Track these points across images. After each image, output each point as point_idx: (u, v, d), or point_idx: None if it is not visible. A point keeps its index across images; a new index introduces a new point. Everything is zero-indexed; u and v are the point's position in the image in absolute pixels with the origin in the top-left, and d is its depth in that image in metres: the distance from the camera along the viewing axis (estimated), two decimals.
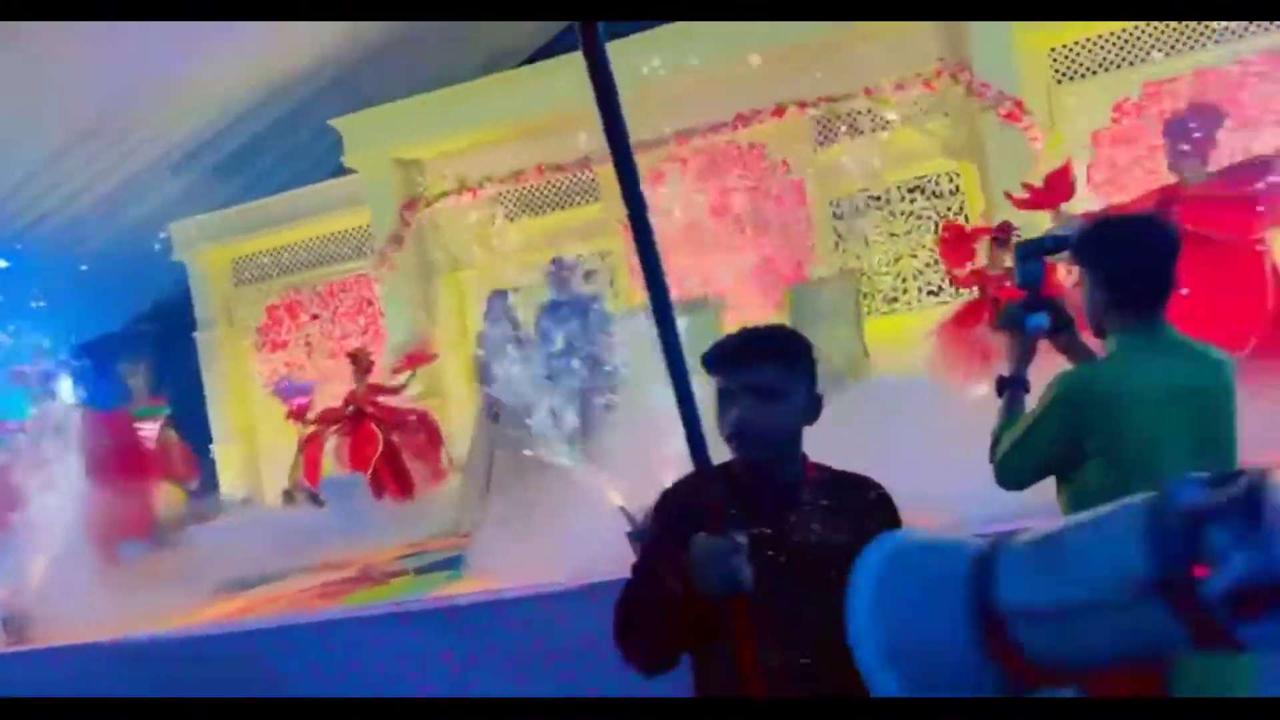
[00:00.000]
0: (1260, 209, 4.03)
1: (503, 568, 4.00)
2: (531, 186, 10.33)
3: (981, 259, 6.86)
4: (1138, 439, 1.96)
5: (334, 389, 9.12)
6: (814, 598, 1.56)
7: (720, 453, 1.74)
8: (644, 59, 8.41)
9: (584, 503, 4.10)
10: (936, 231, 9.76)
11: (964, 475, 2.96)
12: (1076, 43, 9.04)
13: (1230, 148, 6.98)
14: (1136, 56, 8.89)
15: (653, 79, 8.44)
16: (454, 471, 7.67)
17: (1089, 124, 8.88)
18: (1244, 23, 8.09)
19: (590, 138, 9.36)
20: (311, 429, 8.13)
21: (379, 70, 10.94)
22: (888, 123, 9.18)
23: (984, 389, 3.92)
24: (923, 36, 8.68)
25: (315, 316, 11.96)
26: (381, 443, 7.74)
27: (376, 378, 8.12)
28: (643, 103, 9.31)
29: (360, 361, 8.08)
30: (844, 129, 9.61)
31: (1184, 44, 8.67)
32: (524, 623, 3.65)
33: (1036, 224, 6.62)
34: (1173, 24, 8.57)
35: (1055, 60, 9.16)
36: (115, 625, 4.34)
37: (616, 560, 2.91)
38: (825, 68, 8.77)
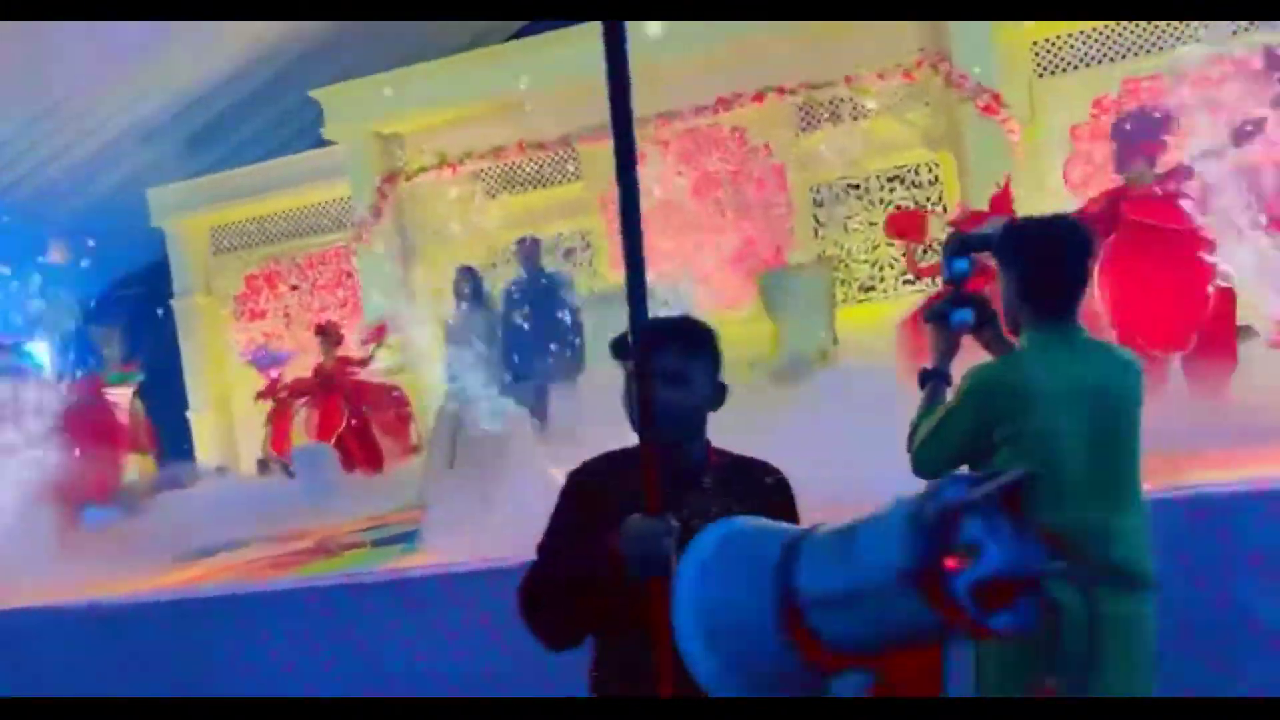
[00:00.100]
0: (1201, 210, 4.09)
1: (455, 542, 4.04)
2: (512, 163, 10.31)
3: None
4: (1040, 432, 2.04)
5: (311, 360, 9.11)
6: None
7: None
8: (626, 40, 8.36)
9: (538, 479, 4.13)
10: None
11: None
12: (1059, 36, 9.07)
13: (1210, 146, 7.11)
14: (1118, 52, 8.92)
15: (634, 60, 8.38)
16: (424, 446, 7.70)
17: (1069, 118, 8.91)
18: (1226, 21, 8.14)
19: (573, 115, 9.39)
20: (282, 396, 8.13)
21: (363, 41, 10.86)
22: (868, 111, 9.20)
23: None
24: (904, 26, 8.68)
25: (294, 287, 11.94)
26: (347, 416, 7.76)
27: (346, 351, 8.13)
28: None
29: (329, 335, 8.08)
30: (824, 116, 9.64)
31: (1166, 40, 8.69)
32: (474, 597, 3.68)
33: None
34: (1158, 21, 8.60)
35: (1038, 53, 9.19)
36: (68, 589, 4.36)
37: None
38: (807, 54, 8.77)
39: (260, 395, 8.47)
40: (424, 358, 8.36)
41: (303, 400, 8.07)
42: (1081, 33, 8.98)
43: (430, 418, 7.08)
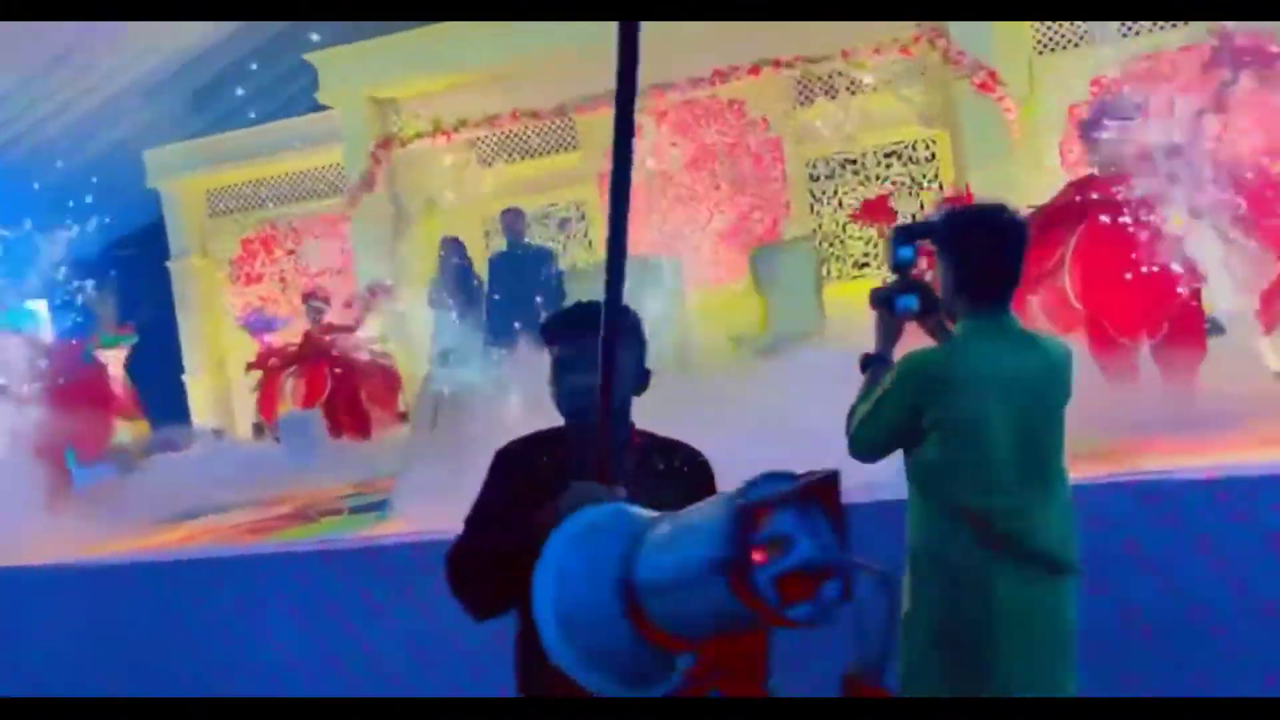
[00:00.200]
0: (1170, 199, 4.09)
1: (425, 510, 4.08)
2: (508, 132, 10.27)
3: None
4: (968, 417, 2.08)
5: (304, 326, 9.14)
6: None
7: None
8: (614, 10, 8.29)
9: None
10: (912, 197, 9.83)
11: None
12: None
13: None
14: (1119, 30, 8.81)
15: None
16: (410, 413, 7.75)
17: (1069, 96, 8.84)
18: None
19: (570, 85, 9.34)
20: (272, 364, 8.19)
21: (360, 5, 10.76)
22: (864, 86, 9.15)
23: None
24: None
25: (291, 251, 11.95)
26: (331, 383, 7.81)
27: (334, 317, 8.17)
28: (614, 53, 9.15)
29: (316, 303, 8.12)
30: (819, 91, 9.59)
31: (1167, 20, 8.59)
32: (440, 564, 3.73)
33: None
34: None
35: (1037, 30, 9.09)
36: (47, 550, 4.43)
37: None
38: (804, 27, 8.69)
39: (251, 366, 8.53)
40: (414, 325, 8.40)
41: (290, 368, 8.12)
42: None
43: (418, 385, 7.13)
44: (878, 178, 9.89)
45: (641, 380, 1.87)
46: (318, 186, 11.74)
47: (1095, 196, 4.44)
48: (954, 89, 8.40)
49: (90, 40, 10.93)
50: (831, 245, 9.90)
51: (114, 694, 3.43)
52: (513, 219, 6.62)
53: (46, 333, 13.56)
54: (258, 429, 9.69)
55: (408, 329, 8.55)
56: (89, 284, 10.12)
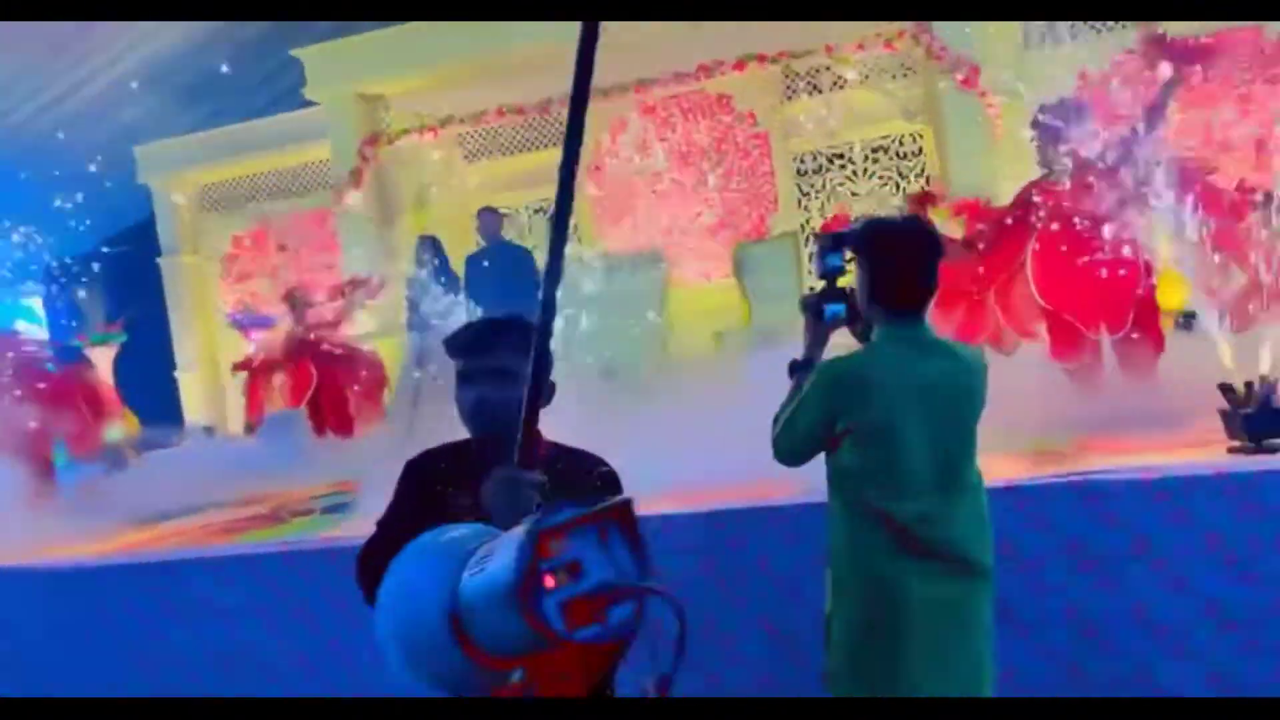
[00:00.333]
0: (1118, 197, 4.11)
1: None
2: (494, 128, 10.28)
3: None
4: (880, 423, 2.12)
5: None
6: None
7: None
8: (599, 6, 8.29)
9: None
10: (899, 192, 9.82)
11: None
12: None
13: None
14: (1107, 25, 8.78)
15: (613, 24, 8.31)
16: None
17: (1055, 91, 8.81)
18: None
19: (556, 80, 9.34)
20: (256, 365, 8.23)
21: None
22: (848, 81, 9.15)
23: None
24: None
25: (282, 248, 11.98)
26: (317, 380, 7.84)
27: (318, 315, 8.21)
28: (602, 48, 9.18)
29: (297, 300, 8.15)
30: (803, 86, 9.60)
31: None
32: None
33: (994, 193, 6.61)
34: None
35: (1025, 26, 9.06)
36: (18, 550, 4.47)
37: None
38: (788, 22, 8.67)
39: (236, 367, 8.58)
40: (399, 322, 8.42)
41: (277, 367, 8.16)
42: None
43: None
44: (865, 172, 9.89)
45: (547, 392, 1.89)
46: (310, 182, 11.76)
47: (1048, 199, 4.46)
48: (937, 84, 8.39)
49: (84, 34, 10.97)
50: (800, 243, 9.90)
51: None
52: (489, 218, 6.65)
53: (42, 330, 13.68)
54: (248, 427, 9.75)
55: (394, 324, 8.56)
56: (79, 281, 10.17)
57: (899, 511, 2.10)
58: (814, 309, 2.39)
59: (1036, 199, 4.59)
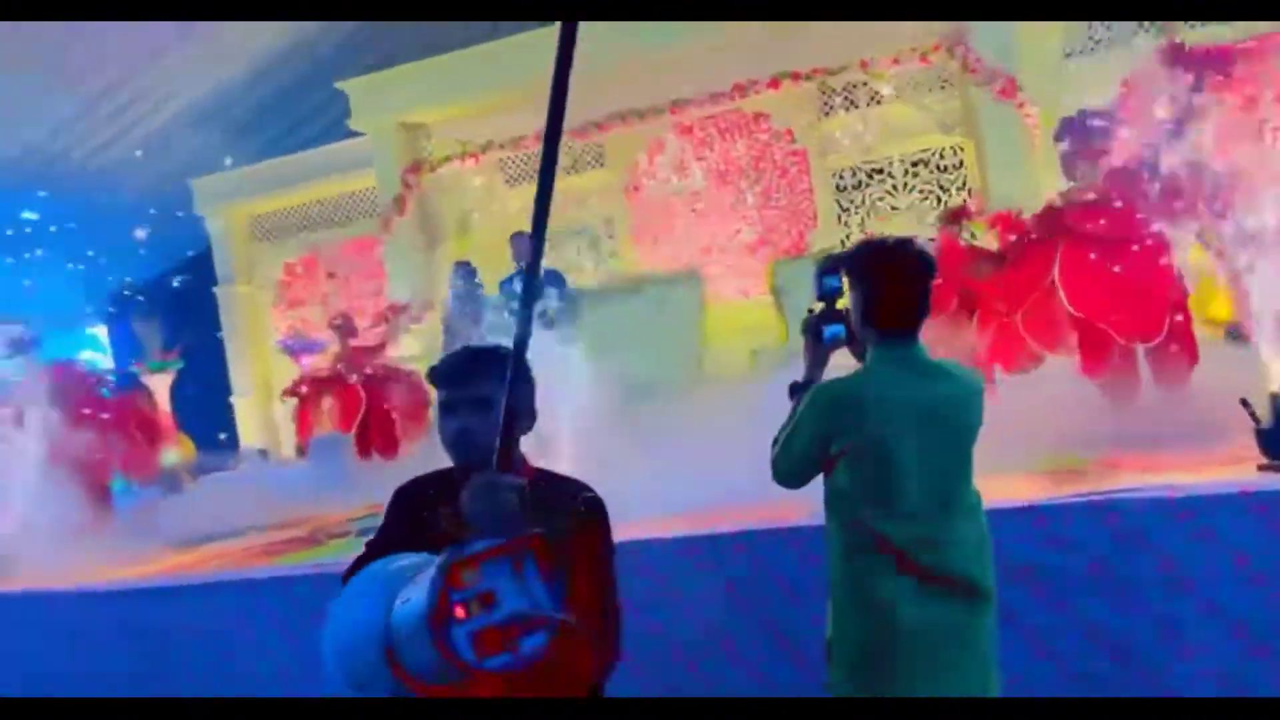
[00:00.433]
0: (1148, 209, 4.00)
1: None
2: (534, 153, 10.41)
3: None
4: (874, 444, 2.11)
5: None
6: None
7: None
8: (638, 26, 8.38)
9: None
10: (940, 206, 9.71)
11: None
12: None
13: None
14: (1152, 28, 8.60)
15: (648, 46, 8.42)
16: None
17: (1098, 101, 8.66)
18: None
19: (595, 103, 9.45)
20: (303, 391, 8.42)
21: (398, 32, 11.04)
22: (884, 96, 9.10)
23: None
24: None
25: (331, 275, 12.28)
26: (365, 403, 7.99)
27: (362, 340, 8.39)
28: (638, 70, 9.35)
29: (343, 326, 8.33)
30: (840, 101, 9.58)
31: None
32: None
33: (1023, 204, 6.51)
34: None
35: (1066, 31, 8.92)
36: (73, 573, 4.62)
37: None
38: (822, 38, 8.66)
39: (286, 393, 8.79)
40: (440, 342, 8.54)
41: (325, 391, 8.34)
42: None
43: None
44: (905, 186, 9.81)
45: (528, 420, 1.92)
46: (358, 210, 12.04)
47: (1070, 216, 4.38)
48: (974, 96, 8.30)
49: (142, 71, 11.40)
50: None
51: None
52: (521, 243, 6.74)
53: (107, 358, 14.15)
54: (300, 450, 9.98)
55: (437, 347, 8.70)
56: (139, 311, 10.53)
57: (895, 533, 2.08)
58: (813, 330, 2.39)
59: (1063, 210, 4.50)
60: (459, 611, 1.11)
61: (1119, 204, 4.17)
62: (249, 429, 12.51)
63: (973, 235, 7.22)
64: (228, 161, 12.02)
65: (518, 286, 6.43)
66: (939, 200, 9.65)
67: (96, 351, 14.33)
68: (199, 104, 12.38)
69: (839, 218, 9.99)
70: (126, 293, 11.49)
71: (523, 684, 1.69)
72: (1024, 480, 3.41)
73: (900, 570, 2.09)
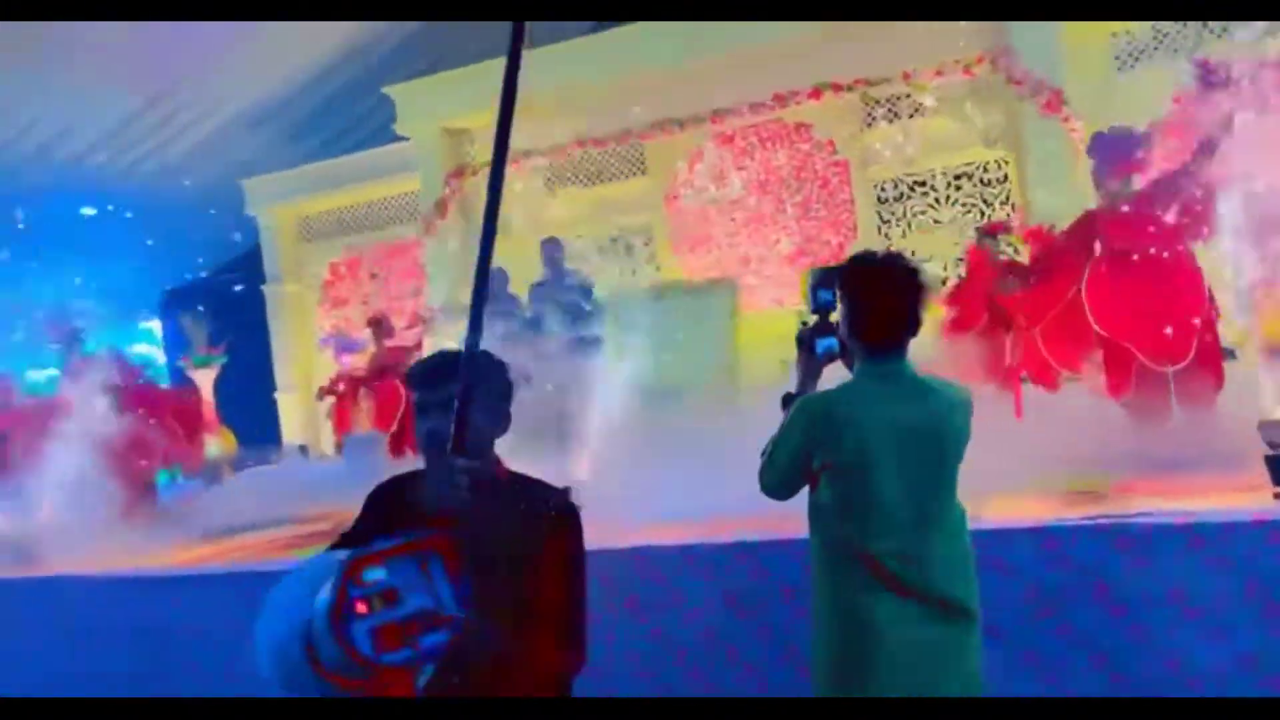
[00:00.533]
0: (1181, 224, 3.90)
1: None
2: (576, 158, 10.49)
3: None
4: (853, 461, 2.08)
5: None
6: (484, 594, 1.71)
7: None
8: (677, 38, 8.42)
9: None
10: (983, 219, 9.57)
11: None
12: (1138, 25, 8.60)
13: None
14: (1197, 43, 8.41)
15: (688, 57, 8.45)
16: None
17: (1149, 114, 8.48)
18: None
19: (637, 110, 9.51)
20: (339, 390, 8.57)
21: (447, 38, 11.21)
22: (926, 108, 9.00)
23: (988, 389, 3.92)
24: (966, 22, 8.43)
25: (374, 275, 12.48)
26: (404, 400, 8.09)
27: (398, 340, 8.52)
28: (678, 81, 9.38)
29: (380, 326, 8.46)
30: (882, 113, 9.49)
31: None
32: None
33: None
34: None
35: (1116, 44, 8.75)
36: (110, 559, 4.74)
37: None
38: (865, 49, 8.62)
39: (322, 392, 8.95)
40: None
41: (364, 389, 8.48)
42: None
43: None
44: (948, 199, 9.69)
45: (502, 422, 1.93)
46: (402, 213, 12.22)
47: (1105, 227, 4.29)
48: (1017, 110, 8.18)
49: (196, 74, 11.70)
50: None
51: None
52: (552, 249, 6.79)
53: (159, 352, 14.52)
54: (338, 447, 10.16)
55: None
56: (188, 307, 10.82)
57: (875, 549, 2.05)
58: (806, 343, 2.38)
59: (1093, 222, 4.41)
60: (360, 607, 1.13)
61: (1150, 220, 4.07)
62: (291, 425, 12.75)
63: (1015, 250, 7.12)
64: (279, 163, 12.31)
65: (547, 291, 6.48)
66: (982, 214, 9.51)
67: (152, 345, 14.72)
68: (256, 107, 12.69)
69: (879, 229, 9.89)
70: (179, 289, 11.79)
71: (488, 683, 1.71)
72: (1038, 501, 3.34)
73: (880, 586, 2.06)
